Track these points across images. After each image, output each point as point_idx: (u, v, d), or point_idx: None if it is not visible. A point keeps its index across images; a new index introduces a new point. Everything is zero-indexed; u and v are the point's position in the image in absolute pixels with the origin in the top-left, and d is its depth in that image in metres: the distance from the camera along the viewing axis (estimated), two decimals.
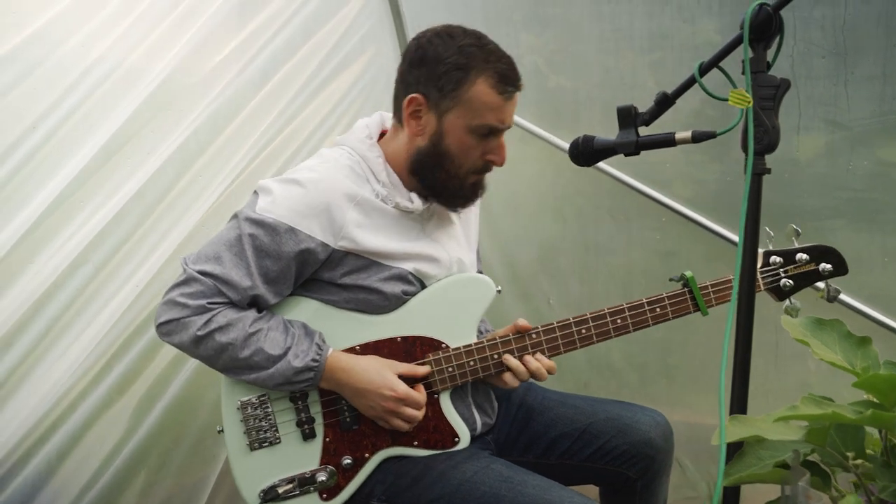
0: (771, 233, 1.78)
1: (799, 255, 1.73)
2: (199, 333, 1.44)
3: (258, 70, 1.91)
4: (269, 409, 1.52)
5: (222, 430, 1.53)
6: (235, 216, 1.51)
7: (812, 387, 2.35)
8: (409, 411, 1.52)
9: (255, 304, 1.52)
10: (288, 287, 1.54)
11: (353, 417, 1.55)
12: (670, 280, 1.75)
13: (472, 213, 1.79)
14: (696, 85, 1.44)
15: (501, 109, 1.52)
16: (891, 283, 2.14)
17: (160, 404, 1.78)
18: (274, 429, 1.53)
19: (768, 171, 1.41)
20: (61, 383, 1.57)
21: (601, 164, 2.40)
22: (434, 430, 1.56)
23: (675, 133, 1.47)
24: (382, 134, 1.66)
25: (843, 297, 1.80)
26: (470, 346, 1.58)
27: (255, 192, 1.55)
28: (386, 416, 1.52)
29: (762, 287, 1.74)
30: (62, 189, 1.55)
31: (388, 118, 1.66)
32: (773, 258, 1.75)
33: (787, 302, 1.75)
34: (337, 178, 1.52)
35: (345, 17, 2.23)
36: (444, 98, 1.50)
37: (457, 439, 1.57)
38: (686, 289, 1.68)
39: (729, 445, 1.45)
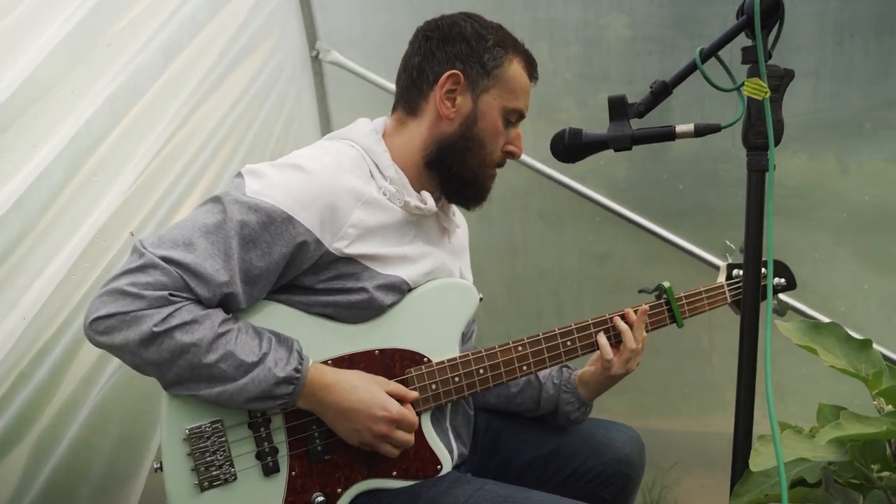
0: (732, 245, 1.74)
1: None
2: (157, 329, 1.13)
3: (160, 48, 1.58)
4: (224, 439, 1.23)
5: (160, 468, 1.23)
6: (217, 199, 1.23)
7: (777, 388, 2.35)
8: (403, 435, 1.29)
9: (223, 305, 1.24)
10: (265, 289, 1.27)
11: (325, 446, 1.30)
12: (640, 292, 1.66)
13: (461, 221, 1.62)
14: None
15: (528, 95, 1.45)
16: (822, 278, 2.17)
17: (61, 447, 1.41)
18: (229, 463, 1.24)
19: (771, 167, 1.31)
20: None
21: (531, 161, 2.27)
22: (415, 456, 1.35)
23: (674, 126, 1.35)
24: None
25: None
26: (454, 359, 1.39)
27: (240, 175, 1.28)
28: (374, 442, 1.28)
29: (729, 300, 1.68)
30: None
31: (383, 121, 1.47)
32: (736, 271, 1.73)
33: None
34: (343, 172, 1.30)
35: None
36: (485, 76, 1.39)
37: (439, 466, 1.37)
38: (663, 299, 1.59)
39: (738, 462, 1.37)
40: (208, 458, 1.22)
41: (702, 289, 1.65)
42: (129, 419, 1.58)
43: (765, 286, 1.64)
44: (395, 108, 1.48)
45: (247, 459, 1.25)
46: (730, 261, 1.74)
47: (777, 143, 1.32)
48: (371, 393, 1.27)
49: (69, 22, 1.31)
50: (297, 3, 2.24)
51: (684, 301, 1.61)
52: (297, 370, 1.22)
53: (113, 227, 1.45)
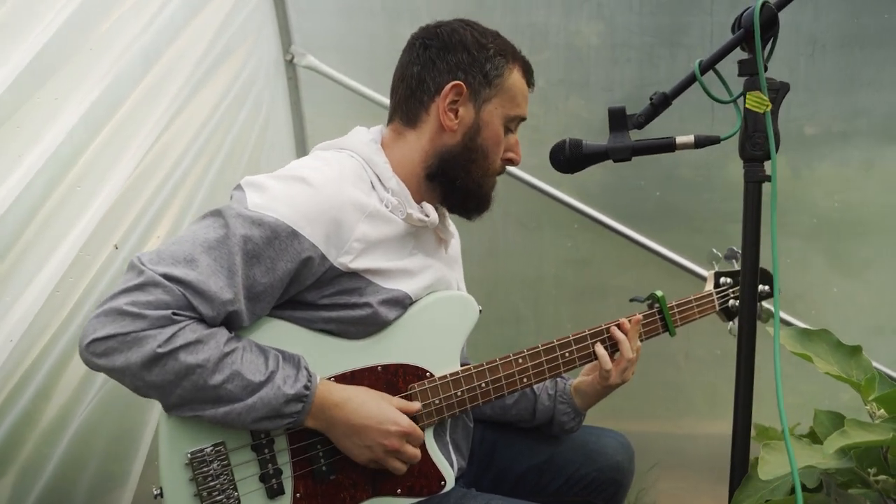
0: (719, 254, 1.76)
1: None
2: (160, 351, 1.08)
3: (141, 53, 1.52)
4: (227, 462, 1.19)
5: (160, 494, 1.17)
6: (218, 213, 1.18)
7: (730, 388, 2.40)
8: (412, 449, 1.27)
9: (225, 324, 1.19)
10: (268, 306, 1.23)
11: (331, 465, 1.26)
12: (631, 301, 1.67)
13: (454, 231, 1.60)
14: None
15: (527, 101, 1.43)
16: (793, 282, 2.22)
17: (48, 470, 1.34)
18: (232, 487, 1.19)
19: (768, 178, 1.34)
20: None
21: (510, 167, 2.27)
22: (418, 473, 1.32)
23: (675, 137, 1.36)
24: None
25: None
26: (457, 373, 1.37)
27: (240, 187, 1.23)
28: (385, 458, 1.25)
29: (717, 307, 1.71)
30: None
31: (379, 130, 1.44)
32: (723, 279, 1.75)
33: (730, 324, 1.75)
34: (347, 184, 1.26)
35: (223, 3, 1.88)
36: (487, 85, 1.36)
37: (443, 482, 1.35)
38: (656, 308, 1.60)
39: (736, 468, 1.38)
40: (211, 483, 1.18)
41: (692, 297, 1.67)
42: (114, 434, 1.52)
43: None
44: (391, 119, 1.44)
45: (250, 482, 1.21)
46: (716, 269, 1.76)
47: (769, 156, 1.34)
48: (380, 408, 1.25)
49: (52, 25, 1.24)
50: (272, 7, 2.18)
51: (676, 309, 1.63)
52: (306, 387, 1.18)
53: (96, 240, 1.39)
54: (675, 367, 2.44)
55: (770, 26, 1.29)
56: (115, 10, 1.44)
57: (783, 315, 2.23)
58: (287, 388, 1.17)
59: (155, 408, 1.62)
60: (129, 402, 1.54)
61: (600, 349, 1.49)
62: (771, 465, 1.18)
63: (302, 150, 2.40)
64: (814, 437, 2.32)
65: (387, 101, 2.26)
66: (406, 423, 1.26)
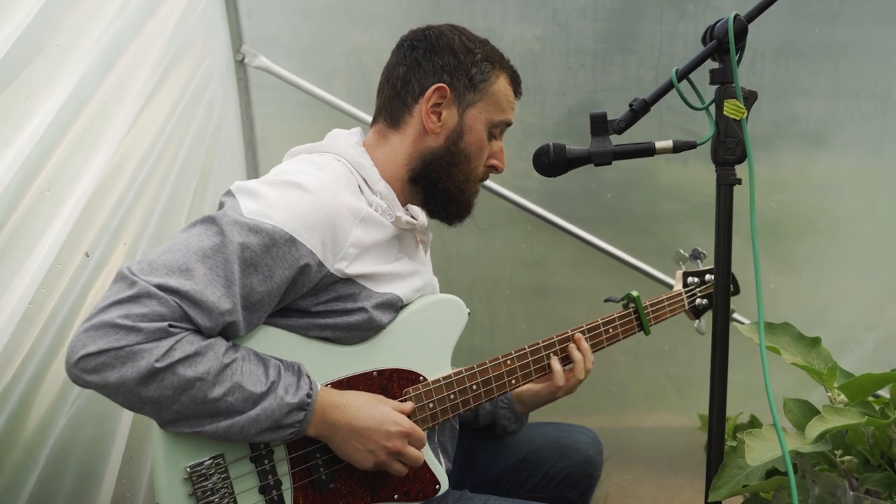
0: (685, 254, 1.83)
1: (708, 276, 1.82)
2: (158, 365, 1.03)
3: (103, 52, 1.45)
4: (226, 475, 1.16)
5: None
6: (212, 220, 1.14)
7: (680, 382, 2.51)
8: (413, 451, 1.27)
9: (222, 335, 1.15)
10: (264, 315, 1.20)
11: (330, 474, 1.25)
12: (606, 301, 1.72)
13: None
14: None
15: (513, 108, 1.45)
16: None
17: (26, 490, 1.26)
18: (232, 500, 1.16)
19: (738, 181, 1.41)
20: None
21: None
22: (414, 478, 1.33)
23: (654, 142, 1.41)
24: None
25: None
26: (449, 377, 1.38)
27: (230, 193, 1.19)
28: (387, 461, 1.25)
29: (686, 306, 1.78)
30: None
31: (360, 132, 1.44)
32: (690, 279, 1.82)
33: (696, 322, 1.82)
34: (340, 189, 1.24)
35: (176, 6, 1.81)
36: (472, 90, 1.37)
37: (437, 486, 1.36)
38: (631, 308, 1.65)
39: (713, 457, 1.45)
40: (210, 498, 1.15)
41: (664, 297, 1.73)
42: (88, 448, 1.45)
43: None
44: (375, 119, 1.44)
45: (250, 495, 1.18)
46: (684, 269, 1.83)
47: (741, 160, 1.41)
48: (380, 409, 1.25)
49: (24, 21, 1.17)
50: (223, 7, 2.13)
51: (650, 309, 1.68)
52: (308, 395, 1.17)
53: (68, 248, 1.32)
54: (622, 364, 2.52)
55: (740, 38, 1.36)
56: (79, 4, 1.37)
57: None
58: (290, 398, 1.15)
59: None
60: (103, 410, 1.48)
61: (557, 365, 1.50)
62: (756, 451, 1.24)
63: (252, 152, 2.35)
64: (753, 423, 2.47)
65: (339, 102, 2.28)
66: (407, 423, 1.26)
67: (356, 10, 2.22)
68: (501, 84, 1.41)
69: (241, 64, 2.23)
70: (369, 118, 2.26)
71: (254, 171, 2.36)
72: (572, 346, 1.52)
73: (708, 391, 2.72)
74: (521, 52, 2.18)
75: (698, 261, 1.83)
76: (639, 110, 1.39)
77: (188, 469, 1.13)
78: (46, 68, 1.25)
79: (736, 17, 1.34)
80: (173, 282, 1.07)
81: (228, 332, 1.16)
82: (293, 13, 2.24)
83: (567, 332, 1.54)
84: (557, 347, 1.51)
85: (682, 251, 1.82)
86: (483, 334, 2.44)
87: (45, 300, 1.27)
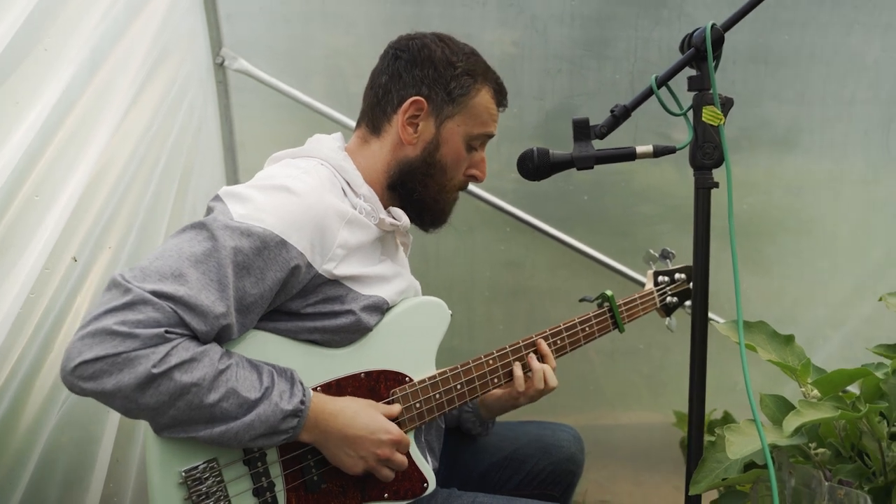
0: (655, 254, 1.88)
1: (677, 275, 1.88)
2: (155, 371, 1.04)
3: (89, 55, 1.45)
4: (220, 479, 1.17)
5: None
6: (202, 225, 1.15)
7: (654, 380, 2.56)
8: (400, 457, 1.29)
9: (216, 339, 1.16)
10: (256, 318, 1.21)
11: (321, 475, 1.27)
12: (581, 301, 1.76)
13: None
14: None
15: (495, 121, 1.46)
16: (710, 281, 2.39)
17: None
18: (227, 503, 1.17)
19: (716, 184, 1.45)
20: None
21: None
22: (403, 477, 1.35)
23: (635, 147, 1.45)
24: None
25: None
26: (434, 377, 1.40)
27: (218, 198, 1.21)
28: (376, 467, 1.27)
29: (658, 304, 1.82)
30: None
31: (341, 137, 1.45)
32: (661, 278, 1.87)
33: (667, 320, 1.88)
34: (325, 192, 1.26)
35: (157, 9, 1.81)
36: (450, 103, 1.38)
37: (425, 484, 1.38)
38: (606, 307, 1.69)
39: (693, 452, 1.49)
40: (205, 502, 1.15)
41: (636, 296, 1.78)
42: (76, 453, 1.45)
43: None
44: (359, 123, 1.46)
45: (244, 498, 1.20)
46: (654, 269, 1.88)
47: (719, 164, 1.46)
48: (373, 417, 1.27)
49: (14, 25, 1.17)
50: (202, 10, 2.12)
51: (623, 308, 1.72)
52: (302, 402, 1.18)
53: (55, 253, 1.31)
54: (590, 364, 2.57)
55: (717, 46, 1.40)
56: (65, 7, 1.37)
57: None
58: (284, 405, 1.16)
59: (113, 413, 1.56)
60: (91, 414, 1.47)
61: (518, 371, 1.50)
62: (737, 444, 1.29)
63: (231, 154, 2.35)
64: (727, 419, 2.53)
65: (318, 105, 2.29)
66: (396, 431, 1.29)
67: (335, 13, 2.24)
68: (483, 97, 1.42)
69: (220, 67, 2.23)
70: (347, 120, 2.30)
71: (233, 173, 2.36)
72: (531, 355, 1.51)
73: (680, 389, 2.76)
74: (500, 57, 2.21)
75: (667, 260, 1.88)
76: (620, 116, 1.43)
77: (183, 474, 1.14)
78: (34, 72, 1.25)
79: (713, 26, 1.39)
80: (167, 288, 1.08)
81: (222, 336, 1.17)
82: (272, 16, 2.25)
83: (546, 331, 1.57)
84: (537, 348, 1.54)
85: (651, 251, 1.87)
86: (462, 335, 2.47)
87: (34, 306, 1.27)
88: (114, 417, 1.56)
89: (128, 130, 1.62)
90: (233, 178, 2.36)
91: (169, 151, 1.83)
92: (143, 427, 1.70)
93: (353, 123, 2.27)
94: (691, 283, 1.91)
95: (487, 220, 2.38)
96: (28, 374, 1.26)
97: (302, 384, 1.21)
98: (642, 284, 2.37)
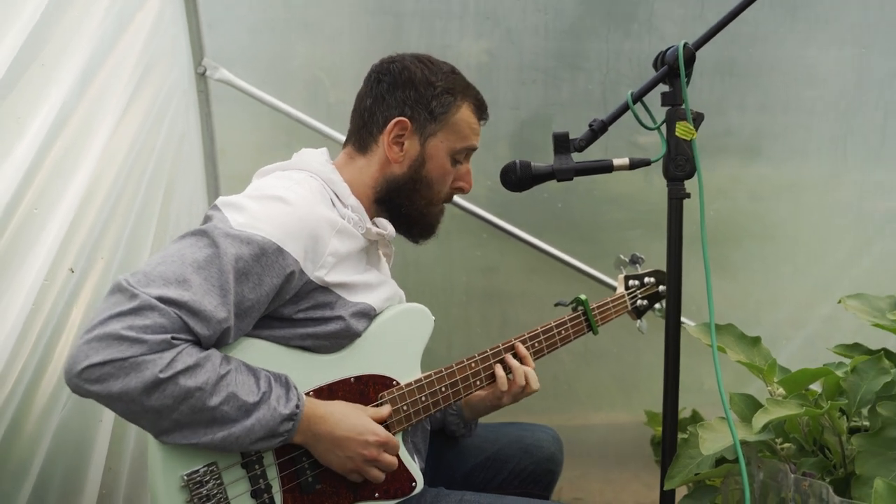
0: (625, 259, 1.96)
1: (647, 279, 1.96)
2: (162, 376, 1.08)
3: (82, 69, 1.47)
4: (220, 481, 1.21)
5: None
6: (203, 233, 1.19)
7: (624, 381, 2.64)
8: (388, 457, 1.35)
9: (216, 343, 1.21)
10: (251, 323, 1.26)
11: (315, 476, 1.32)
12: (556, 305, 1.83)
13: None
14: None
15: (477, 134, 1.52)
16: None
17: None
18: None
19: (688, 195, 1.53)
20: None
21: None
22: (392, 477, 1.40)
23: (612, 160, 1.52)
24: None
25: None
26: (420, 380, 1.47)
27: (216, 208, 1.25)
28: (364, 467, 1.33)
29: (629, 307, 1.90)
30: None
31: (325, 151, 1.50)
32: (631, 282, 1.94)
33: (638, 322, 1.96)
34: (316, 202, 1.32)
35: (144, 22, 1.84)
36: (432, 121, 1.45)
37: (413, 484, 1.44)
38: (580, 311, 1.76)
39: (667, 449, 1.56)
40: None
41: (609, 300, 1.85)
42: (70, 463, 1.47)
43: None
44: (346, 142, 1.52)
45: (243, 499, 1.24)
46: (625, 273, 1.96)
47: (690, 176, 1.54)
48: (360, 420, 1.32)
49: (16, 41, 1.20)
50: (184, 20, 2.15)
51: (597, 311, 1.80)
52: (297, 406, 1.23)
53: (54, 265, 1.34)
54: (560, 364, 2.64)
55: (689, 63, 1.48)
56: (60, 22, 1.39)
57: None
58: (281, 409, 1.21)
59: (105, 417, 1.59)
60: (83, 423, 1.49)
61: (500, 371, 1.57)
62: (709, 441, 1.37)
63: (212, 162, 2.37)
64: (695, 417, 2.62)
65: (298, 114, 2.32)
66: (383, 433, 1.34)
67: (317, 23, 2.28)
68: (464, 113, 1.49)
69: (201, 76, 2.25)
70: (325, 129, 2.35)
71: (213, 181, 2.38)
72: (509, 356, 1.59)
73: (650, 389, 2.87)
74: (477, 68, 2.27)
75: (637, 265, 1.96)
76: (598, 130, 1.50)
77: (185, 477, 1.18)
78: (33, 88, 1.27)
79: (685, 45, 1.47)
80: (172, 293, 1.12)
81: (220, 341, 1.21)
82: (254, 26, 2.28)
83: (525, 335, 1.64)
84: (515, 350, 1.61)
85: (622, 256, 1.95)
86: (439, 339, 2.48)
87: (35, 318, 1.29)
88: (105, 426, 1.58)
89: (119, 141, 1.64)
90: (213, 185, 2.38)
91: (155, 161, 1.86)
92: (133, 436, 1.73)
93: (330, 132, 2.34)
94: (660, 287, 2.01)
95: (464, 226, 2.44)
96: (30, 384, 1.29)
97: (296, 388, 1.26)
98: (612, 287, 2.45)
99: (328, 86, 2.40)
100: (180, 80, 2.09)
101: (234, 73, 2.28)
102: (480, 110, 1.53)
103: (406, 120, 1.44)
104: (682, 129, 1.44)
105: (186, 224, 2.08)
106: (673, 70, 1.47)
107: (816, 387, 1.65)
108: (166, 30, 1.98)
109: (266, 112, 2.32)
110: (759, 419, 1.35)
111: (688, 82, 1.52)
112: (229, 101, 2.33)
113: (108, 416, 1.59)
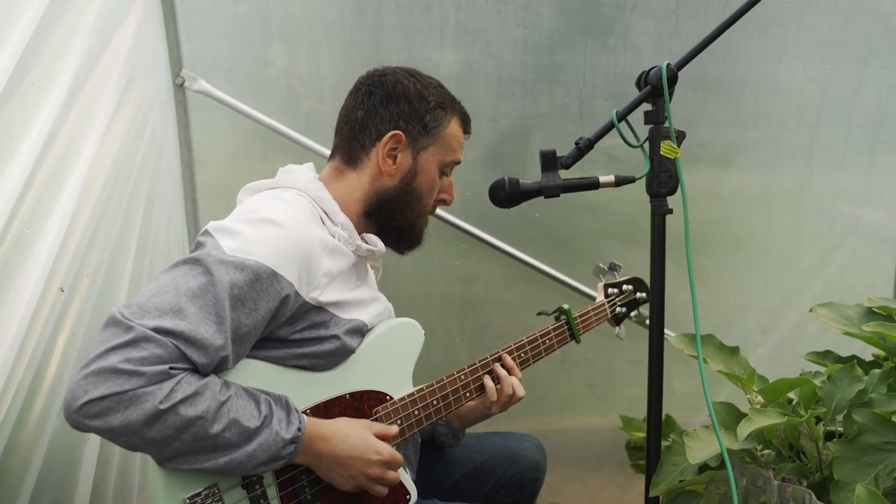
0: (604, 268, 2.01)
1: (625, 287, 2.01)
2: (162, 407, 1.07)
3: (69, 82, 1.46)
4: (222, 503, 1.21)
5: None
6: (196, 261, 1.18)
7: (599, 386, 2.69)
8: (392, 474, 1.36)
9: (215, 370, 1.20)
10: (249, 347, 1.26)
11: (315, 494, 1.33)
12: (539, 314, 1.86)
13: None
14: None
15: (463, 147, 1.56)
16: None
17: None
18: None
19: (670, 211, 1.58)
20: None
21: None
22: (388, 491, 1.41)
23: (598, 177, 1.56)
24: None
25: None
26: (413, 394, 1.49)
27: (207, 233, 1.24)
28: (368, 485, 1.34)
29: (609, 315, 1.95)
30: None
31: (312, 167, 1.51)
32: (610, 290, 1.99)
33: (617, 329, 2.00)
34: (308, 223, 1.32)
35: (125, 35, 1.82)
36: (425, 134, 1.47)
37: (408, 497, 1.46)
38: (563, 320, 1.80)
39: (652, 457, 1.61)
40: None
41: (590, 308, 1.89)
42: (62, 483, 1.46)
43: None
44: (332, 155, 1.52)
45: None
46: (604, 282, 2.00)
47: (673, 192, 1.58)
48: (363, 439, 1.33)
49: (10, 61, 1.18)
50: (163, 31, 2.13)
51: (579, 320, 1.84)
52: (299, 429, 1.24)
53: (47, 284, 1.32)
54: (536, 372, 2.68)
55: (672, 83, 1.53)
56: (49, 38, 1.38)
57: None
58: (283, 433, 1.21)
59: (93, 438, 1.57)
60: (71, 442, 1.48)
61: (488, 382, 1.61)
62: (696, 450, 1.41)
63: (189, 172, 2.35)
64: (668, 423, 2.68)
65: (276, 124, 2.32)
66: (387, 451, 1.35)
67: (295, 35, 2.28)
68: (453, 127, 1.52)
69: (179, 87, 2.24)
70: (302, 139, 2.35)
71: (191, 191, 2.36)
72: (497, 365, 1.63)
73: (625, 394, 2.92)
74: (457, 80, 2.29)
75: (615, 273, 2.01)
76: (584, 148, 1.53)
77: (186, 500, 1.18)
78: (23, 107, 1.26)
79: (668, 65, 1.51)
80: (168, 323, 1.11)
81: (219, 367, 1.21)
82: (236, 37, 2.27)
83: (511, 345, 1.68)
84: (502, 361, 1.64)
85: (601, 265, 1.99)
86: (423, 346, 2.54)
87: (28, 339, 1.27)
88: (93, 444, 1.57)
89: (104, 156, 1.63)
90: (191, 195, 2.36)
91: (136, 175, 1.84)
92: (118, 453, 1.72)
93: (307, 141, 2.33)
94: (638, 294, 2.05)
95: (444, 236, 2.46)
96: (24, 406, 1.27)
97: (297, 411, 1.26)
98: (587, 295, 2.50)
99: (301, 96, 2.40)
100: (159, 92, 2.07)
101: (213, 84, 2.26)
102: (466, 124, 1.57)
103: (401, 133, 1.45)
104: (667, 149, 1.49)
105: (166, 236, 2.06)
106: (656, 90, 1.51)
107: (792, 394, 1.72)
108: (147, 42, 1.96)
109: (244, 121, 2.31)
110: (744, 428, 1.40)
111: (669, 100, 1.56)
112: (208, 111, 2.31)
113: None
